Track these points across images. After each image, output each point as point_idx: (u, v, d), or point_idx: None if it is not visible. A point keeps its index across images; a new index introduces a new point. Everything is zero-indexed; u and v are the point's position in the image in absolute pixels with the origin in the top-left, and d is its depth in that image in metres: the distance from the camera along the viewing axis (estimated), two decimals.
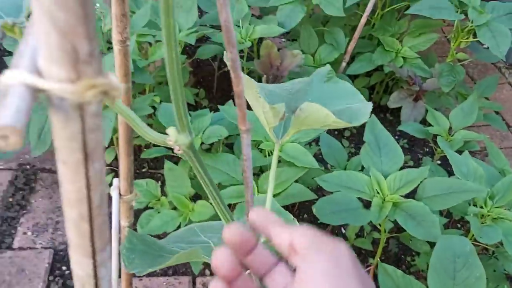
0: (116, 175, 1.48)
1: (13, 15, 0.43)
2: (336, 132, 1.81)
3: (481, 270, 0.86)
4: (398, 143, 1.79)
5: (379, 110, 1.94)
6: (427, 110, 1.51)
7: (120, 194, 0.83)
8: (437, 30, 1.79)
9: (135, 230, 1.27)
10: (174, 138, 0.50)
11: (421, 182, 1.05)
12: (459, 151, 1.44)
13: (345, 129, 1.81)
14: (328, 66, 0.84)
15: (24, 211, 1.34)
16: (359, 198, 1.06)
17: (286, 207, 1.47)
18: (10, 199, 1.37)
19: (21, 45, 0.23)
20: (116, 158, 1.43)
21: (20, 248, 1.26)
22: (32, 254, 1.25)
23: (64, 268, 1.24)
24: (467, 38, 1.62)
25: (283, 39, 2.24)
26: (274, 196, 1.13)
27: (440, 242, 0.87)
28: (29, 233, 1.30)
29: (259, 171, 1.26)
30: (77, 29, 0.19)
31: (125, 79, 0.69)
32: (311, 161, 1.12)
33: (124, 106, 0.47)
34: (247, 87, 0.67)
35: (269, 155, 1.21)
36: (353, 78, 1.84)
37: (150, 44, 1.46)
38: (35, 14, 0.19)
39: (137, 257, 0.80)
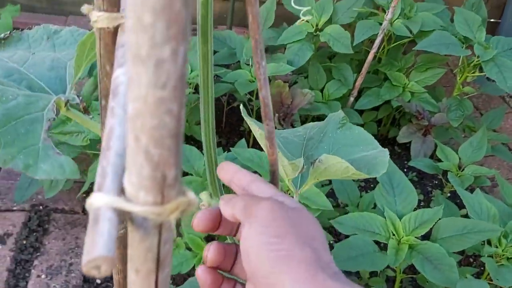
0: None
1: (57, 89, 0.45)
2: None
3: None
4: (407, 176, 1.81)
5: (387, 143, 1.95)
6: (436, 145, 1.52)
7: None
8: (443, 63, 1.82)
9: None
10: (207, 202, 0.51)
11: (436, 222, 1.06)
12: (470, 187, 1.45)
13: None
14: (342, 113, 0.85)
15: (38, 253, 1.34)
16: (374, 241, 1.06)
17: None
18: (24, 241, 1.37)
19: (102, 161, 0.24)
20: None
21: None
22: None
23: None
24: (473, 72, 1.64)
25: (290, 73, 2.27)
26: None
27: (459, 286, 0.87)
28: (43, 275, 1.30)
29: None
30: (169, 160, 0.20)
31: None
32: (325, 202, 1.13)
33: None
34: (259, 139, 0.69)
35: None
36: (360, 112, 1.86)
37: None
38: (130, 149, 0.20)
39: None
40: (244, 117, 0.72)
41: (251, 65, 1.59)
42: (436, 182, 1.79)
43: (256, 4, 0.34)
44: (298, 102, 1.43)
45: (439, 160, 1.50)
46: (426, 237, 1.09)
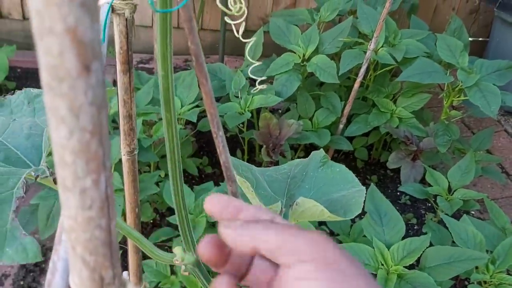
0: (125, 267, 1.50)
1: (33, 158, 0.47)
2: None
3: None
4: (400, 200, 1.83)
5: (380, 167, 1.98)
6: (425, 169, 1.55)
7: None
8: (430, 88, 1.85)
9: None
10: (181, 257, 0.54)
11: (423, 252, 1.07)
12: (461, 211, 1.46)
13: None
14: (322, 151, 0.88)
15: None
16: None
17: None
18: (21, 282, 1.38)
19: (53, 256, 0.27)
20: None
21: None
22: None
23: None
24: (458, 96, 1.67)
25: (282, 100, 2.30)
26: None
27: None
28: None
29: None
30: (104, 264, 0.23)
31: (134, 184, 0.73)
32: None
33: (131, 229, 0.51)
34: (244, 188, 0.71)
35: None
36: (351, 138, 1.89)
37: (155, 121, 1.52)
38: (70, 256, 0.23)
39: None
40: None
41: (240, 98, 1.63)
42: (429, 204, 1.81)
43: (208, 84, 0.36)
44: (285, 132, 1.46)
45: (429, 185, 1.52)
46: (414, 265, 1.10)
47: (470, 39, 2.82)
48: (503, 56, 2.39)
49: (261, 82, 1.51)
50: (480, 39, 2.81)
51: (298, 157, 1.47)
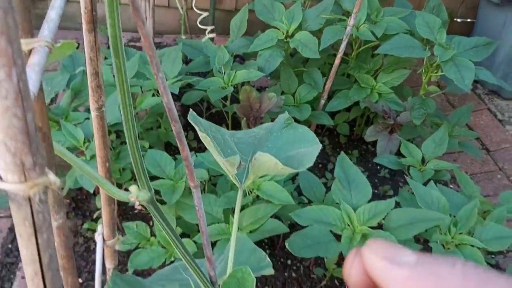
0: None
1: None
2: (320, 166, 1.90)
3: None
4: (379, 173, 1.89)
5: (362, 143, 2.03)
6: (401, 142, 1.60)
7: (104, 239, 0.92)
8: (410, 64, 1.89)
9: (126, 270, 1.35)
10: (136, 194, 0.59)
11: (387, 213, 1.13)
12: (435, 181, 1.52)
13: (328, 162, 1.90)
14: (287, 114, 0.93)
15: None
16: (331, 231, 1.14)
17: (264, 241, 1.54)
18: (10, 246, 1.45)
19: None
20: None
21: None
22: None
23: None
24: (436, 72, 1.72)
25: (269, 78, 2.35)
26: (251, 231, 1.21)
27: None
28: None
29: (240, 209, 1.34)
30: (24, 150, 0.28)
31: (103, 140, 0.78)
32: (286, 197, 1.20)
33: (90, 168, 0.56)
34: (206, 143, 0.77)
35: (248, 194, 1.29)
36: (333, 114, 1.94)
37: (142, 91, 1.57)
38: None
39: None
40: (190, 121, 0.80)
41: (224, 73, 1.68)
42: (407, 177, 1.87)
43: (145, 27, 0.41)
44: (265, 106, 1.51)
45: (404, 157, 1.57)
46: (380, 227, 1.16)
47: (458, 20, 2.86)
48: (488, 36, 2.43)
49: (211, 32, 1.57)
50: (468, 20, 2.84)
51: None
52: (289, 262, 1.53)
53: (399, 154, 1.68)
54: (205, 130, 0.87)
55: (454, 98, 2.50)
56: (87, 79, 0.75)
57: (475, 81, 2.59)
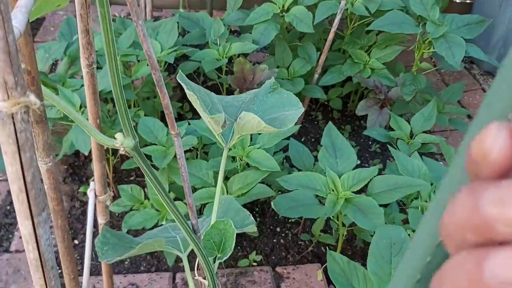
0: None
1: None
2: (312, 140, 1.94)
3: None
4: (370, 148, 1.92)
5: (355, 118, 2.06)
6: (390, 116, 1.64)
7: (96, 195, 0.96)
8: (405, 41, 1.92)
9: (120, 228, 1.40)
10: (121, 141, 0.63)
11: (371, 180, 1.17)
12: (422, 154, 1.56)
13: (320, 136, 1.93)
14: (273, 79, 0.97)
15: None
16: (316, 197, 1.18)
17: (255, 209, 1.59)
18: (8, 207, 1.50)
19: None
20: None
21: (17, 251, 1.39)
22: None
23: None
24: (429, 49, 1.74)
25: (267, 55, 2.38)
26: (240, 195, 1.26)
27: (378, 230, 0.99)
28: None
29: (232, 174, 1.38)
30: (6, 69, 0.32)
31: (94, 96, 0.82)
32: (274, 165, 1.25)
33: (77, 114, 0.60)
34: (193, 102, 0.80)
35: (239, 161, 1.33)
36: (327, 89, 1.97)
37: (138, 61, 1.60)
38: None
39: (110, 249, 0.93)
40: (178, 80, 0.83)
41: (219, 45, 1.70)
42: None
43: None
44: (258, 77, 1.54)
45: (394, 130, 1.61)
46: (364, 193, 1.20)
47: (457, 0, 2.86)
48: (485, 16, 2.44)
49: None
50: (468, 1, 2.85)
51: None
52: (278, 229, 1.58)
53: (389, 128, 1.72)
54: (193, 91, 0.91)
55: (449, 78, 2.52)
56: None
57: (471, 62, 2.61)
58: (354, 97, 2.05)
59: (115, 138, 0.65)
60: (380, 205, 1.12)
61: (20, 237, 1.44)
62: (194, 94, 0.80)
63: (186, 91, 0.80)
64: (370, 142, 1.94)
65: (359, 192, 1.18)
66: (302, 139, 1.96)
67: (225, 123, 0.84)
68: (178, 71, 1.74)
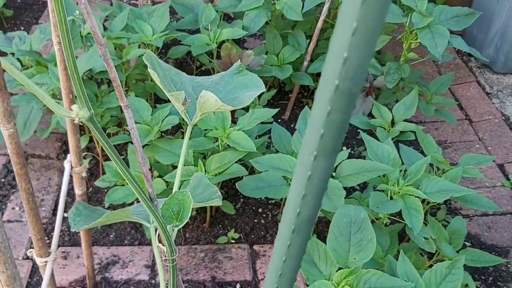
0: (94, 158, 1.69)
1: None
2: None
3: (372, 234, 1.03)
4: (358, 136, 1.96)
5: None
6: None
7: (72, 167, 1.03)
8: (395, 31, 1.95)
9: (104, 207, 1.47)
10: (76, 112, 0.69)
11: (339, 163, 1.22)
12: (400, 141, 1.60)
13: None
14: (239, 62, 1.02)
15: (14, 190, 1.56)
16: (284, 177, 1.23)
17: (228, 182, 1.65)
18: (3, 180, 1.58)
19: None
20: (91, 141, 1.63)
21: (9, 221, 1.48)
22: (18, 226, 1.46)
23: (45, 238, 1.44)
24: (416, 39, 1.77)
25: (263, 41, 2.42)
26: (218, 174, 1.32)
27: (339, 210, 1.04)
28: (17, 208, 1.51)
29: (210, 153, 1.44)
30: None
31: (65, 72, 0.88)
32: (250, 146, 1.30)
33: (36, 86, 0.66)
34: (156, 80, 0.86)
35: (217, 141, 1.39)
36: (318, 76, 2.01)
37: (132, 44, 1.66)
38: None
39: (81, 220, 1.00)
40: (144, 60, 0.89)
41: (210, 30, 1.75)
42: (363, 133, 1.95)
43: None
44: (244, 62, 1.59)
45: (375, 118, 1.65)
46: (332, 176, 1.25)
47: None
48: (484, 10, 2.45)
49: None
50: None
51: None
52: (260, 210, 1.64)
53: (372, 116, 1.76)
54: (163, 71, 0.97)
55: (445, 69, 2.54)
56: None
57: (469, 54, 2.62)
58: None
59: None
60: (357, 189, 1.17)
61: (13, 208, 1.52)
62: (156, 73, 0.86)
63: (149, 70, 0.86)
64: (358, 130, 1.98)
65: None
66: (292, 125, 2.01)
67: (186, 101, 0.89)
68: (168, 54, 1.80)
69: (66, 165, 1.02)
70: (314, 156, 0.37)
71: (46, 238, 1.39)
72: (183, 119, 1.49)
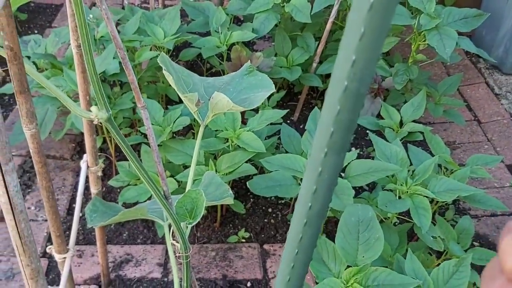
0: (107, 158, 1.72)
1: None
2: None
3: (380, 232, 1.05)
4: (366, 137, 1.98)
5: None
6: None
7: (88, 166, 1.06)
8: (404, 33, 1.96)
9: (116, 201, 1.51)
10: (95, 113, 0.72)
11: (348, 163, 1.24)
12: (409, 142, 1.61)
13: None
14: (249, 63, 1.05)
15: (30, 190, 1.60)
16: (295, 178, 1.25)
17: (249, 190, 1.67)
18: (19, 180, 1.62)
19: None
20: (104, 142, 1.67)
21: None
22: (34, 225, 1.50)
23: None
24: (424, 41, 1.79)
25: (273, 43, 2.45)
26: (228, 173, 1.34)
27: (347, 209, 1.07)
28: (33, 207, 1.55)
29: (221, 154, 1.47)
30: None
31: (83, 75, 0.92)
32: (260, 146, 1.32)
33: (56, 88, 0.69)
34: (170, 82, 0.89)
35: (228, 142, 1.42)
36: (327, 78, 2.03)
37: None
38: None
39: (98, 216, 1.03)
40: (159, 62, 0.92)
41: (220, 33, 1.78)
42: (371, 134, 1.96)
43: None
44: (254, 64, 1.62)
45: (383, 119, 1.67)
46: (341, 176, 1.27)
47: None
48: (494, 11, 2.46)
49: None
50: None
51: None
52: (270, 210, 1.66)
53: (381, 117, 1.78)
54: (176, 72, 1.00)
55: (454, 70, 2.55)
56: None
57: (478, 55, 2.63)
58: None
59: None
60: (366, 189, 1.19)
61: (28, 208, 1.55)
62: (170, 75, 0.88)
63: (164, 72, 0.89)
64: (367, 131, 2.00)
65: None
66: (301, 126, 2.03)
67: (199, 102, 0.92)
68: (180, 56, 1.82)
69: (83, 164, 1.05)
70: (324, 153, 0.39)
71: None
72: (194, 120, 1.52)
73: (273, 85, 1.00)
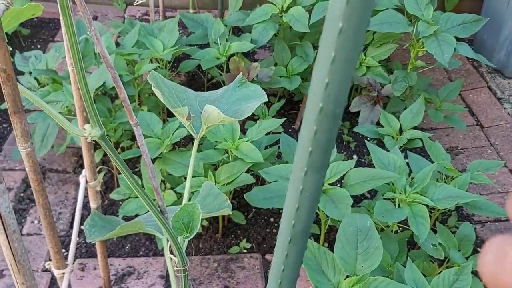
0: (109, 171, 1.73)
1: None
2: None
3: (379, 241, 1.05)
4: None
5: (356, 115, 2.12)
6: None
7: (86, 181, 1.07)
8: (402, 39, 1.97)
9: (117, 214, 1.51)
10: (89, 131, 0.73)
11: (347, 172, 1.24)
12: (408, 149, 1.61)
13: None
14: (241, 75, 1.05)
15: (33, 204, 1.61)
16: None
17: (240, 192, 1.67)
18: (22, 194, 1.63)
19: None
20: (105, 154, 1.68)
21: (28, 234, 1.52)
22: (37, 239, 1.51)
23: (62, 250, 1.49)
24: (423, 47, 1.79)
25: (273, 53, 2.46)
26: (227, 184, 1.35)
27: (345, 219, 1.07)
28: (36, 222, 1.56)
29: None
30: None
31: (79, 92, 0.93)
32: (258, 157, 1.33)
33: (49, 107, 0.70)
34: (160, 97, 0.90)
35: (227, 153, 1.42)
36: None
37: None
38: None
39: (97, 231, 1.03)
40: (149, 80, 0.93)
41: (219, 44, 1.80)
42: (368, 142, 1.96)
43: None
44: (252, 74, 1.63)
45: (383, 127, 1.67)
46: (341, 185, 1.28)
47: None
48: (494, 15, 2.46)
49: None
50: None
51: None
52: (271, 220, 1.66)
53: (379, 124, 1.78)
54: (168, 89, 1.01)
55: (456, 75, 2.54)
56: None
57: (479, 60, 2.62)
58: (355, 93, 2.11)
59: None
60: (368, 197, 1.19)
61: (32, 222, 1.57)
62: (160, 91, 0.89)
63: (153, 89, 0.89)
64: (368, 139, 2.00)
65: (337, 183, 1.25)
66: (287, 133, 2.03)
67: (190, 116, 0.93)
68: (179, 68, 1.84)
69: (81, 179, 1.06)
70: (304, 172, 0.40)
71: (63, 250, 1.44)
72: None
73: (265, 95, 1.01)
